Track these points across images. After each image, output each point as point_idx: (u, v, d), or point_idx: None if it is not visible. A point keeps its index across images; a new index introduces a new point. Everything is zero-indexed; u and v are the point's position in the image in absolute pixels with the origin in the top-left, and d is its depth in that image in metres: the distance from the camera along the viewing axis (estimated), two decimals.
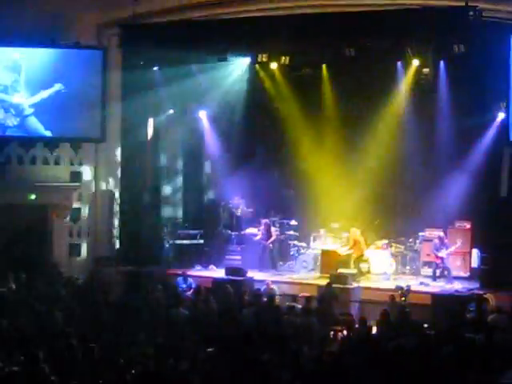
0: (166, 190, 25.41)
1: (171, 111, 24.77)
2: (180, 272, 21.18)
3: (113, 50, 22.60)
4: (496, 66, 19.08)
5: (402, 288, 18.45)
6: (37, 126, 21.63)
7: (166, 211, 25.20)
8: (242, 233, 23.70)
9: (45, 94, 21.44)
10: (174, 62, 22.54)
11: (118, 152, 24.22)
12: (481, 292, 19.04)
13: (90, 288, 19.05)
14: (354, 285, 19.83)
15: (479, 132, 21.55)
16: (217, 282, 20.77)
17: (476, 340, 13.74)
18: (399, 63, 21.20)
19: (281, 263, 22.76)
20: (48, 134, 21.82)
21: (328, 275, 20.25)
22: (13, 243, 21.61)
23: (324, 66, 22.41)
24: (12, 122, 21.56)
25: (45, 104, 21.55)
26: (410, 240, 22.24)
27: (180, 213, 25.57)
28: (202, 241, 23.88)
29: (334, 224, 22.78)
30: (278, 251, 22.86)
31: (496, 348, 13.05)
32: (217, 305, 17.61)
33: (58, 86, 21.44)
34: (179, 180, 25.70)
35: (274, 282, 20.15)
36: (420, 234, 22.02)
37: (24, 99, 21.48)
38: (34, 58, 21.65)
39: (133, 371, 11.02)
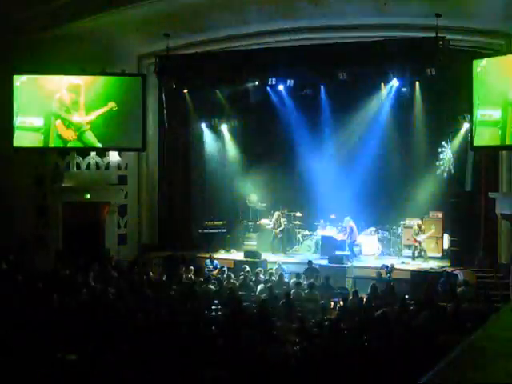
0: (195, 189, 25.41)
1: (200, 124, 24.88)
2: (207, 255, 21.30)
3: (151, 77, 22.69)
4: (461, 84, 19.06)
5: (387, 266, 18.53)
6: (91, 139, 21.71)
7: (195, 207, 25.22)
8: (257, 223, 23.77)
9: (98, 112, 21.53)
10: (200, 86, 22.68)
11: (156, 159, 24.33)
12: (451, 269, 19.13)
13: (134, 270, 19.16)
14: (349, 264, 19.88)
15: (448, 138, 21.59)
16: (237, 263, 20.91)
17: (447, 308, 13.84)
18: (382, 84, 21.24)
19: (289, 247, 22.82)
20: (99, 145, 21.91)
21: (327, 257, 20.34)
22: (72, 234, 21.74)
23: (322, 86, 22.47)
24: (72, 136, 21.67)
25: (98, 122, 21.62)
26: (393, 227, 22.21)
27: (206, 207, 25.57)
28: (224, 230, 23.96)
29: (331, 215, 22.82)
30: (287, 238, 22.91)
31: (463, 314, 13.14)
32: (237, 281, 17.77)
33: (110, 105, 21.54)
34: (206, 181, 25.73)
35: (283, 262, 20.21)
36: (401, 222, 21.99)
37: (81, 118, 21.59)
38: (90, 84, 21.71)
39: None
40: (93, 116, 21.54)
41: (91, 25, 20.16)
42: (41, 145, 21.61)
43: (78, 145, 21.83)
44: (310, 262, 19.34)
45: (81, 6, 19.81)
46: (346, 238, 21.28)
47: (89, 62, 21.20)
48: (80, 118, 21.54)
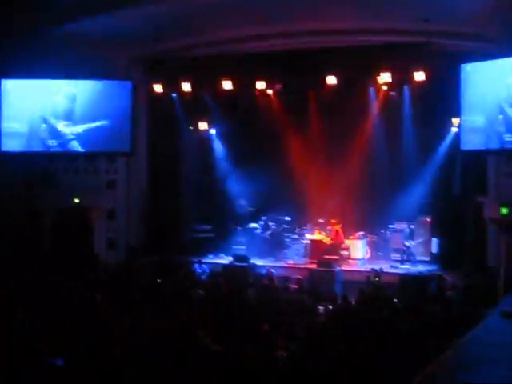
0: (183, 194, 25.37)
1: (188, 128, 24.89)
2: (196, 260, 21.29)
3: (139, 80, 22.68)
4: (449, 88, 19.14)
5: (375, 270, 18.62)
6: (76, 146, 21.68)
7: (184, 211, 25.18)
8: (246, 227, 23.79)
9: (89, 126, 21.53)
10: (188, 90, 22.68)
11: (145, 163, 24.31)
12: (439, 272, 19.20)
13: (124, 274, 19.12)
14: (337, 268, 19.93)
15: (436, 142, 21.69)
16: (226, 267, 20.91)
17: (436, 312, 13.88)
18: (371, 88, 21.32)
19: (277, 251, 22.80)
20: (85, 150, 21.85)
21: (316, 261, 20.39)
22: (61, 238, 21.68)
23: (310, 91, 22.52)
24: (53, 142, 21.59)
25: (86, 132, 21.66)
26: (382, 231, 22.31)
27: (195, 212, 25.54)
28: (213, 234, 23.95)
29: (320, 219, 22.84)
30: (276, 241, 22.91)
31: (452, 318, 13.18)
32: (226, 286, 17.76)
33: (102, 122, 21.54)
34: (194, 185, 25.72)
35: (272, 266, 20.24)
36: (390, 226, 22.10)
37: (68, 128, 21.56)
38: (84, 93, 21.68)
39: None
40: (80, 129, 21.52)
41: (79, 28, 20.08)
42: (25, 149, 21.54)
43: (62, 149, 21.75)
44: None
45: (71, 9, 19.73)
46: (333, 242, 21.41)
47: (76, 66, 21.13)
48: (66, 128, 21.50)
